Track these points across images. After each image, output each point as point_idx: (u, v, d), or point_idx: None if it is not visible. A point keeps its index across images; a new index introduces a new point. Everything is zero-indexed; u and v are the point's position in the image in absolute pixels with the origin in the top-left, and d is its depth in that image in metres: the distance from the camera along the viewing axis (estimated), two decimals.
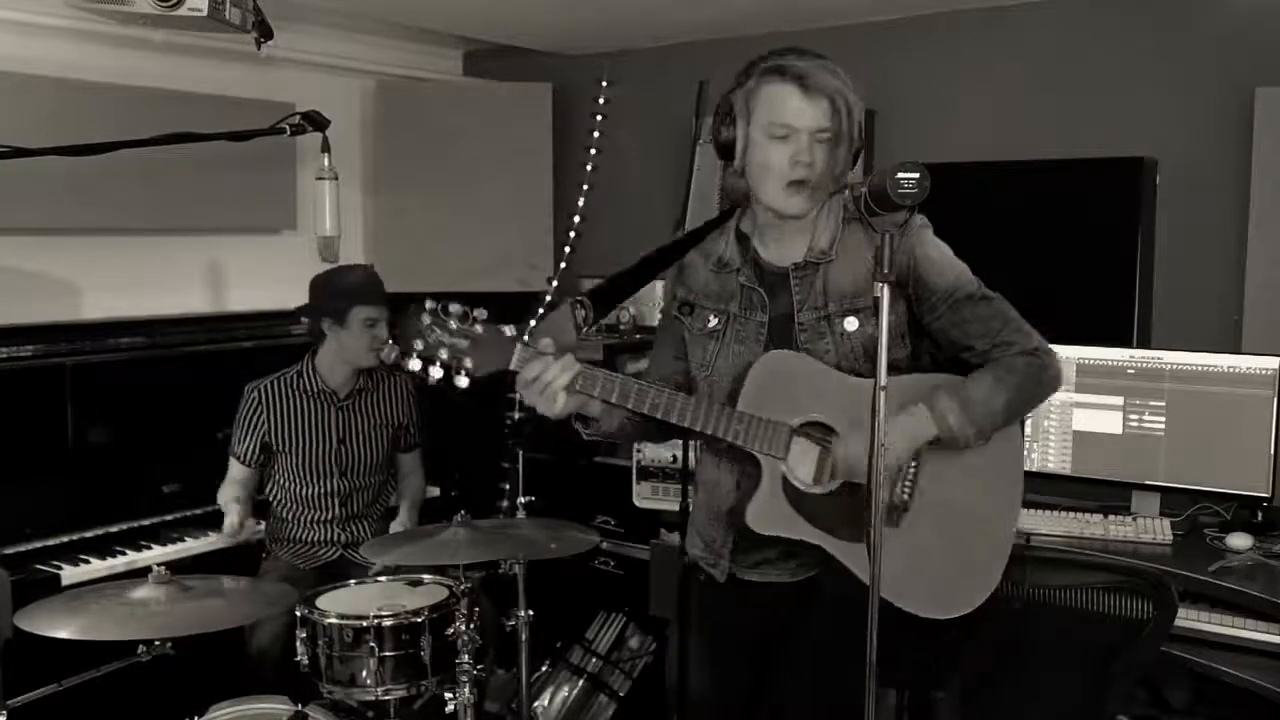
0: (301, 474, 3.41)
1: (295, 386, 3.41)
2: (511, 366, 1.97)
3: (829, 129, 2.00)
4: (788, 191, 2.01)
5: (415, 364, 1.92)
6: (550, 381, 1.97)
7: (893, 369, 2.00)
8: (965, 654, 2.29)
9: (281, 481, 3.43)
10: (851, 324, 2.07)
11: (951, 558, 2.07)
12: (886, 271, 1.68)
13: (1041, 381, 2.07)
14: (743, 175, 2.08)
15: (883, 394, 1.70)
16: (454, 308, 1.94)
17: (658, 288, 4.18)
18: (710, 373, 2.16)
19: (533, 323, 2.25)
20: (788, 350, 2.06)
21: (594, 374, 2.00)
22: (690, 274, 2.24)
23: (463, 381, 1.94)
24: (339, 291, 3.36)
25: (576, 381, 1.99)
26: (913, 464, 2.04)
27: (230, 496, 3.39)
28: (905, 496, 2.05)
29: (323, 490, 3.42)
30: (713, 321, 2.17)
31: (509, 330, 1.98)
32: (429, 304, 1.94)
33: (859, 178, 1.91)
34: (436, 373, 1.93)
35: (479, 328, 1.94)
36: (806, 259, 2.10)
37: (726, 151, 2.10)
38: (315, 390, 3.42)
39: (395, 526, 3.49)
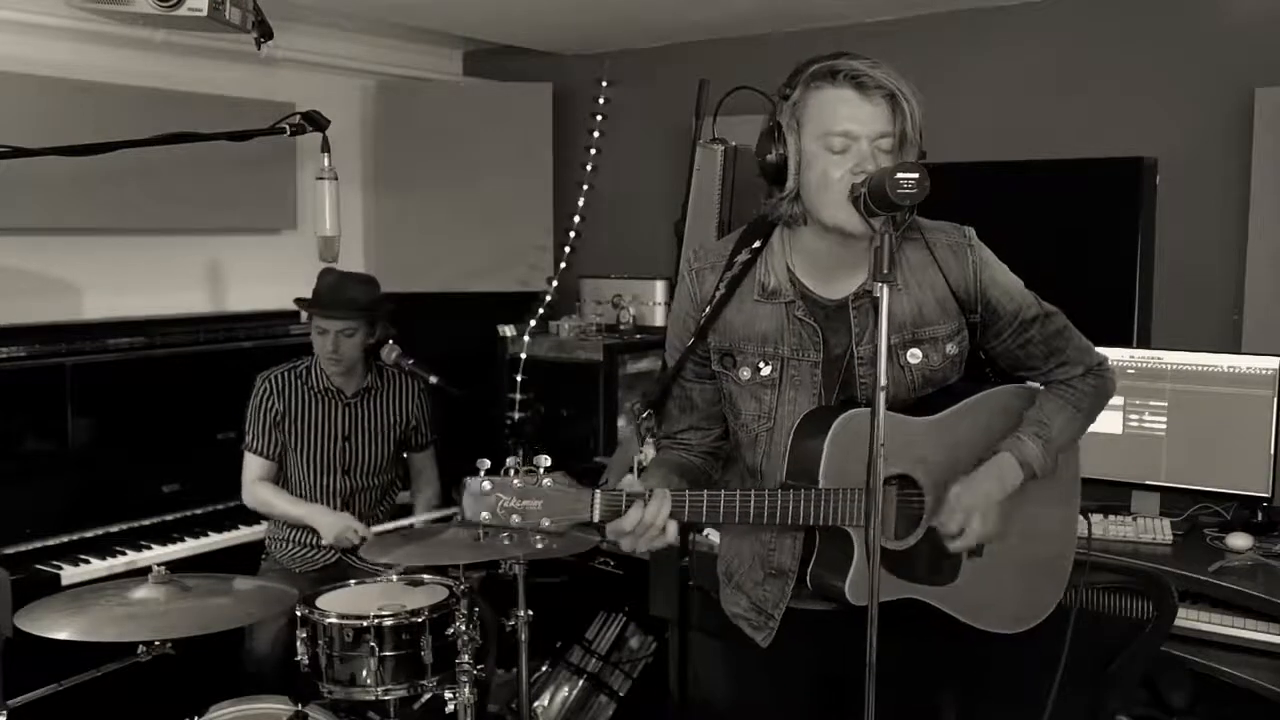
0: (305, 470, 3.41)
1: (304, 381, 3.41)
2: (595, 519, 1.77)
3: (890, 133, 1.79)
4: (852, 205, 1.76)
5: (487, 535, 1.74)
6: (651, 524, 1.77)
7: (945, 391, 1.98)
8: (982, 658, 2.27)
9: (288, 478, 3.43)
10: (915, 356, 1.93)
11: (1030, 573, 2.05)
12: (886, 272, 1.64)
13: (1105, 396, 2.07)
14: (796, 199, 1.85)
15: (882, 394, 1.67)
16: (513, 464, 1.72)
17: (658, 286, 4.19)
18: (772, 424, 1.95)
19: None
20: (860, 409, 1.86)
21: (698, 502, 1.81)
22: (721, 316, 1.97)
23: (540, 545, 1.78)
24: (310, 297, 3.39)
25: (680, 515, 1.80)
26: None
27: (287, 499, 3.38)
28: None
29: (326, 488, 3.42)
30: (766, 369, 1.94)
31: (571, 485, 1.75)
32: (484, 468, 1.71)
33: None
34: (510, 540, 1.77)
35: (548, 481, 1.72)
36: (864, 288, 1.91)
37: (776, 174, 1.85)
38: (323, 387, 3.42)
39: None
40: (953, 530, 1.89)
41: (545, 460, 1.73)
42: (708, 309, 1.97)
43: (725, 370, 1.99)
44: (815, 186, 1.82)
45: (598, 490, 1.76)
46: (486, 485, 1.70)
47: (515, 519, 1.70)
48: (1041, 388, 2.06)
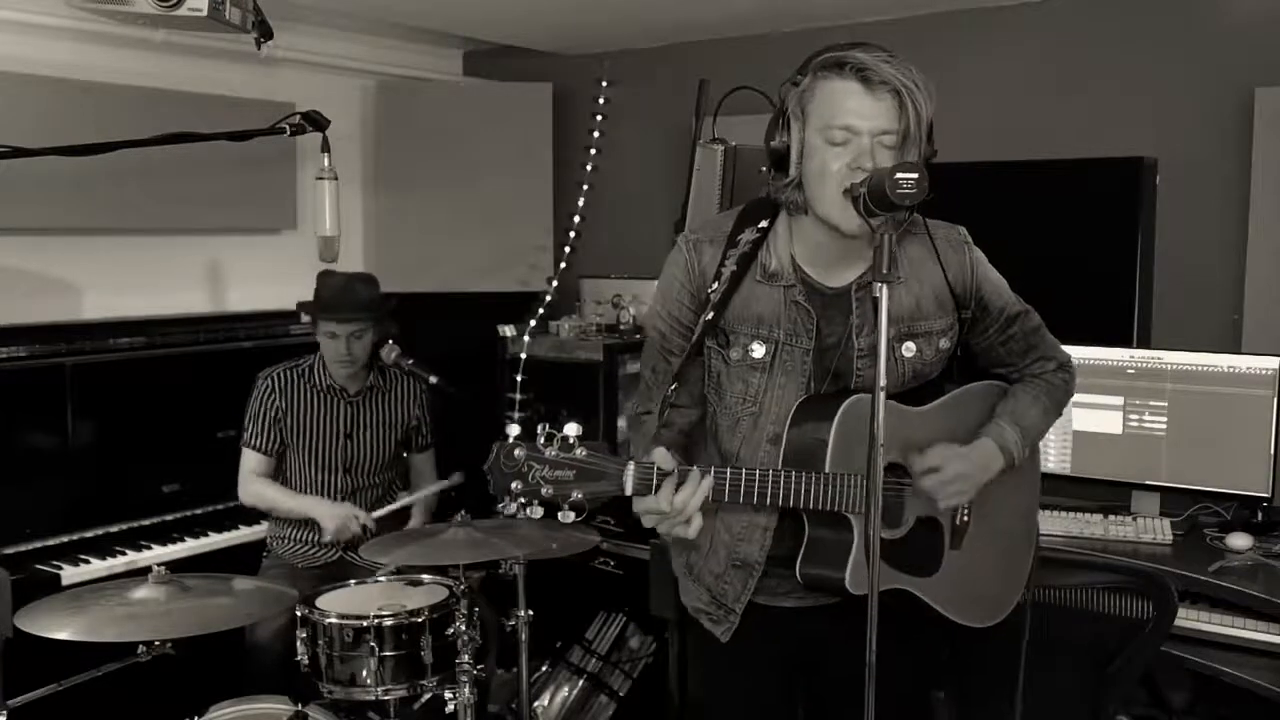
0: (306, 467, 3.41)
1: (306, 379, 3.41)
2: (627, 492, 1.71)
3: (894, 130, 1.76)
4: (846, 202, 1.75)
5: (511, 507, 1.66)
6: (684, 507, 1.73)
7: (926, 385, 2.00)
8: (966, 653, 2.29)
9: (288, 476, 3.43)
10: (909, 349, 1.94)
11: (1000, 568, 2.08)
12: (887, 272, 1.63)
13: (1070, 394, 2.11)
14: (798, 187, 1.84)
15: (882, 394, 1.66)
16: (544, 432, 1.66)
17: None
18: (758, 408, 1.93)
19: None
20: (863, 395, 1.84)
21: (721, 479, 1.78)
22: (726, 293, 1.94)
23: (569, 516, 1.67)
24: (315, 301, 3.38)
25: (709, 499, 1.76)
26: None
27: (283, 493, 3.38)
28: (965, 518, 2.01)
29: (327, 486, 3.42)
30: (758, 351, 1.92)
31: (604, 456, 1.69)
32: (514, 434, 1.65)
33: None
34: (537, 512, 1.66)
35: (580, 451, 1.65)
36: (866, 279, 1.90)
37: (780, 160, 1.85)
38: (325, 385, 3.42)
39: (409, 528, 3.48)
40: (922, 466, 1.87)
41: (575, 428, 1.67)
42: (715, 284, 1.94)
43: (718, 348, 1.96)
44: (814, 177, 1.81)
45: (631, 462, 1.71)
46: (519, 453, 1.63)
47: (546, 490, 1.64)
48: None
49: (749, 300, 1.93)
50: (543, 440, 1.65)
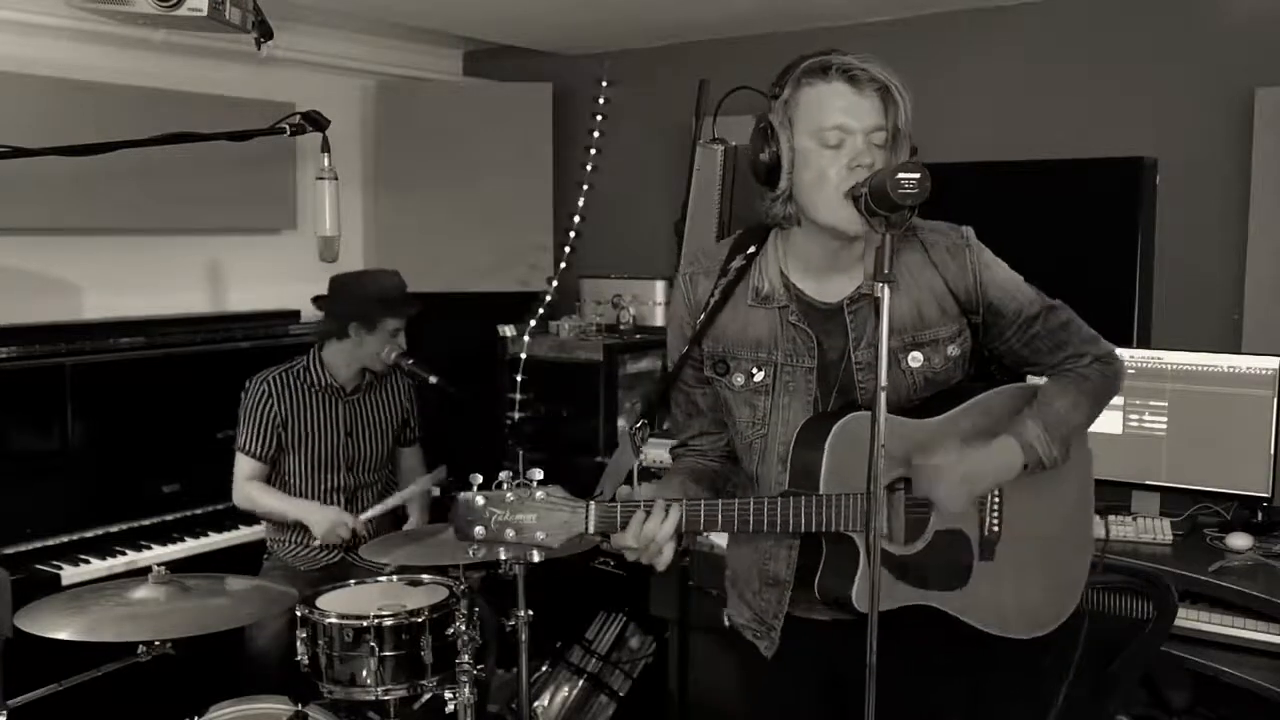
0: (308, 469, 3.40)
1: (302, 380, 3.40)
2: (590, 531, 1.76)
3: (884, 127, 1.78)
4: (848, 202, 1.75)
5: (480, 552, 1.73)
6: (653, 538, 1.76)
7: (947, 392, 1.94)
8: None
9: (287, 479, 3.42)
10: (916, 360, 1.90)
11: (1045, 576, 2.02)
12: (888, 272, 1.63)
13: (1113, 386, 2.02)
14: (789, 199, 1.83)
15: (882, 394, 1.66)
16: (505, 478, 1.72)
17: (658, 286, 4.19)
18: (766, 430, 1.94)
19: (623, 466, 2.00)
20: (859, 412, 1.83)
21: (695, 511, 1.79)
22: (715, 322, 1.95)
23: (536, 557, 1.75)
24: (373, 298, 3.37)
25: (681, 528, 1.78)
26: (996, 496, 1.94)
27: (277, 498, 3.37)
28: (995, 529, 1.95)
29: (329, 485, 3.42)
30: (759, 375, 1.93)
31: (565, 498, 1.74)
32: (477, 483, 1.71)
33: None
34: (506, 554, 1.74)
35: (540, 494, 1.71)
36: (860, 292, 1.89)
37: (770, 174, 1.82)
38: (323, 384, 3.41)
39: (407, 527, 3.48)
40: (921, 466, 1.86)
41: (538, 473, 1.72)
42: (702, 315, 1.95)
43: (718, 377, 1.97)
44: (810, 185, 1.80)
45: (591, 502, 1.75)
46: (480, 500, 1.69)
47: (510, 533, 1.70)
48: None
49: (745, 326, 1.94)
50: (505, 487, 1.71)
